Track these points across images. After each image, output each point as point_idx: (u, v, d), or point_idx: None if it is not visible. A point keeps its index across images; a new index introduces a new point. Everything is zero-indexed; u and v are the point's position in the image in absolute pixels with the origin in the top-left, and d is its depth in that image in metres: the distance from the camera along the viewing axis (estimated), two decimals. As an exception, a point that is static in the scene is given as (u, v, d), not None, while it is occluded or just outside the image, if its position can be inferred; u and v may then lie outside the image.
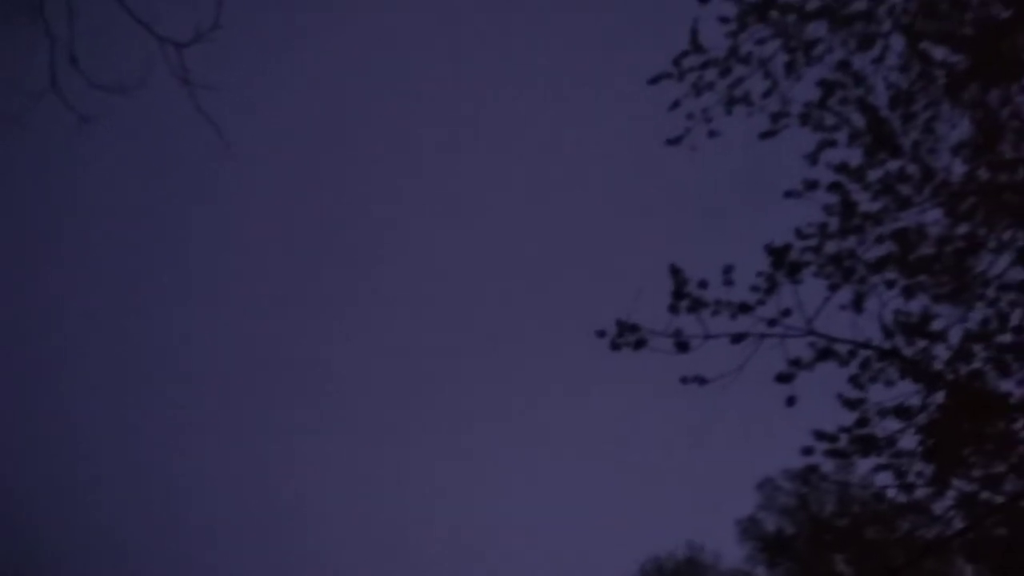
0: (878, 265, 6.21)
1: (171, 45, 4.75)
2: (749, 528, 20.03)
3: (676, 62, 6.76)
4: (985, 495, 5.69)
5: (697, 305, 6.22)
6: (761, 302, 6.19)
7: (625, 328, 6.32)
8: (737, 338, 6.12)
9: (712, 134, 6.78)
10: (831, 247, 6.33)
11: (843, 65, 6.50)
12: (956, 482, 5.79)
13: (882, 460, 5.94)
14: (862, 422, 5.98)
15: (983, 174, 6.32)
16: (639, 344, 6.30)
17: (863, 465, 6.29)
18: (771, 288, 6.24)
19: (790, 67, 6.64)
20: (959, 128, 6.38)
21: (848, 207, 6.28)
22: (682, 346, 6.18)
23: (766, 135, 6.65)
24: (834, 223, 6.34)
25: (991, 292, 6.07)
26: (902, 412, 5.91)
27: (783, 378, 6.10)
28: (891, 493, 5.97)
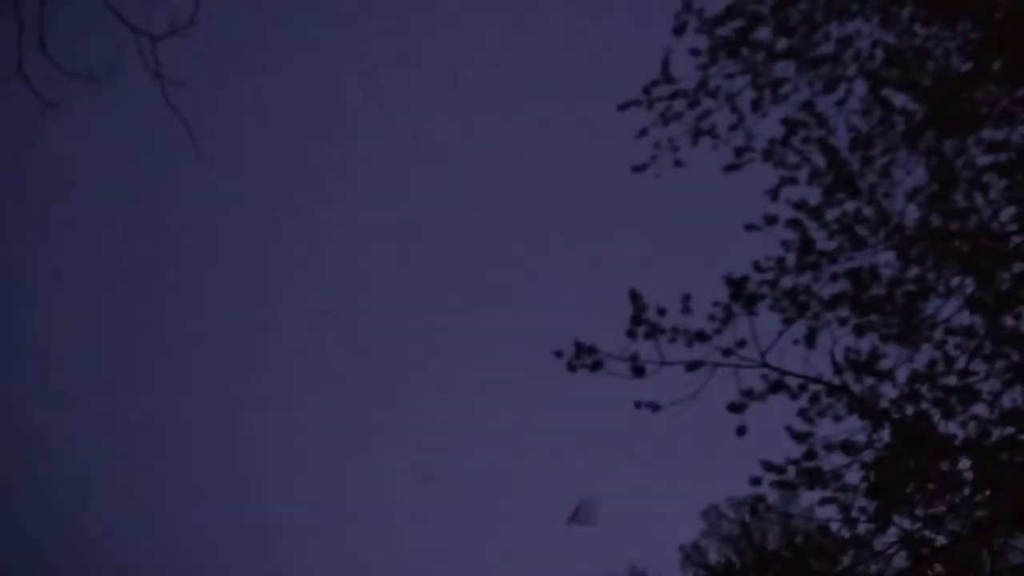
0: (831, 302, 6.34)
1: (145, 37, 4.71)
2: (692, 555, 20.19)
3: (646, 90, 6.87)
4: (926, 534, 5.83)
5: (655, 331, 6.30)
6: (718, 331, 6.29)
7: (582, 350, 6.37)
8: (692, 366, 6.20)
9: (678, 163, 6.89)
10: (787, 282, 6.46)
11: (807, 105, 6.67)
12: (899, 520, 5.92)
13: (827, 493, 6.06)
14: (810, 455, 6.09)
15: (935, 220, 6.51)
16: (595, 366, 6.35)
17: (807, 498, 6.41)
18: (727, 318, 6.34)
19: (756, 104, 6.79)
20: (915, 174, 6.58)
21: (806, 244, 6.41)
22: (638, 371, 6.24)
23: (730, 168, 6.78)
24: (791, 259, 6.47)
25: (938, 335, 6.24)
26: (848, 447, 6.03)
27: (735, 408, 6.19)
28: (835, 527, 6.08)
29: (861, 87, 6.64)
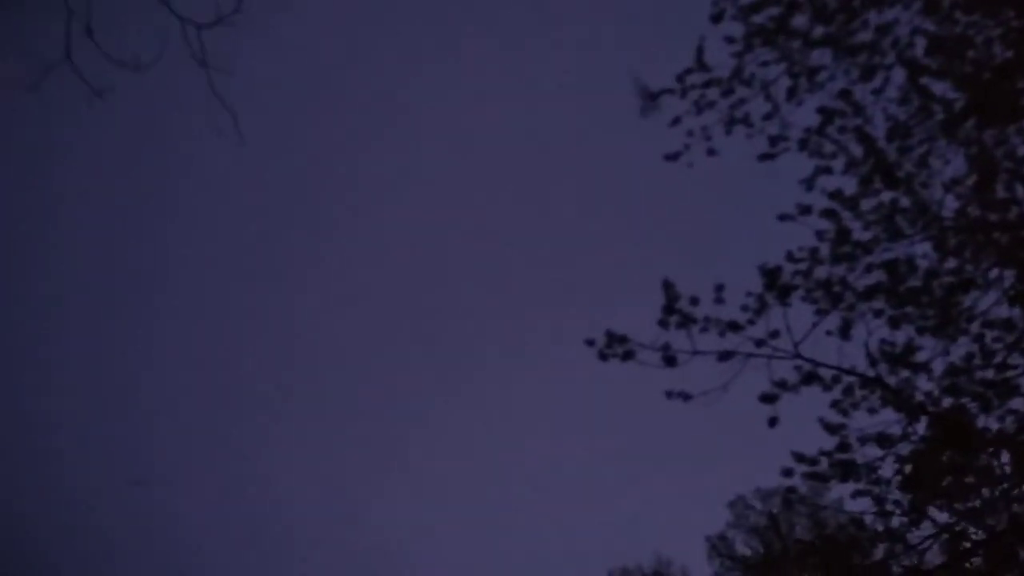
0: (867, 294, 6.27)
1: (191, 24, 4.75)
2: (719, 546, 20.13)
3: (679, 79, 6.81)
4: (963, 528, 5.76)
5: (687, 321, 6.27)
6: (750, 322, 6.25)
7: (614, 339, 6.36)
8: (724, 356, 6.17)
9: (711, 152, 6.83)
10: (821, 272, 6.40)
11: (844, 94, 6.57)
12: (934, 513, 5.86)
13: (861, 486, 6.01)
14: (843, 447, 6.04)
15: (974, 211, 6.40)
16: (627, 356, 6.34)
17: (837, 491, 6.36)
18: (760, 309, 6.29)
19: (792, 92, 6.70)
20: (954, 164, 6.47)
21: (841, 234, 6.34)
22: (670, 360, 6.22)
23: (764, 157, 6.70)
24: (825, 249, 6.41)
25: (976, 328, 6.15)
26: (883, 440, 5.97)
27: (767, 399, 6.15)
28: (868, 519, 6.03)
29: (900, 75, 6.54)
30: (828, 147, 6.57)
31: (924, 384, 6.06)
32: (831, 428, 6.16)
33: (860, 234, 6.39)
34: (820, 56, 6.64)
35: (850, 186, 6.46)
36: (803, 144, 6.62)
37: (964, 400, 5.93)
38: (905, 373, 6.11)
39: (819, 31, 6.61)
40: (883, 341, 6.19)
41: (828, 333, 6.26)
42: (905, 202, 6.41)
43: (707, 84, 6.78)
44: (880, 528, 5.98)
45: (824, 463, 6.05)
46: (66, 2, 4.56)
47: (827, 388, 6.22)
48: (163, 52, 4.74)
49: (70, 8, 4.56)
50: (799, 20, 6.59)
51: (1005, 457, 5.81)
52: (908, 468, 5.87)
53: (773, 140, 6.70)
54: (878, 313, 6.26)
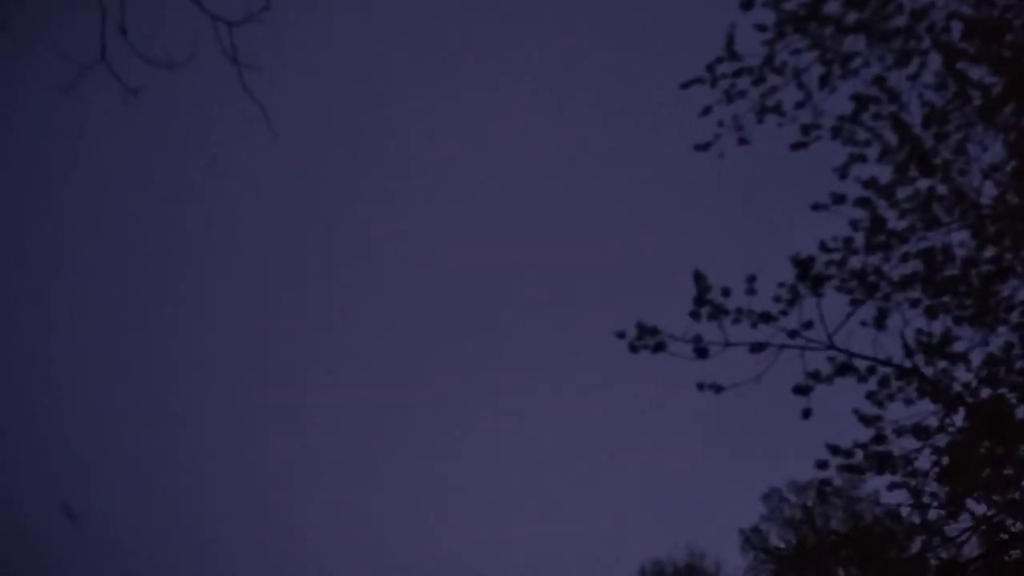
0: (902, 283, 6.18)
1: (223, 23, 4.81)
2: (753, 538, 19.99)
3: (710, 68, 6.74)
4: (1002, 520, 5.67)
5: (718, 312, 6.22)
6: (783, 313, 6.19)
7: (645, 331, 6.32)
8: (757, 347, 6.11)
9: (742, 142, 6.76)
10: (855, 262, 6.32)
11: (878, 80, 6.46)
12: (973, 505, 5.77)
13: (897, 478, 5.93)
14: (879, 439, 5.96)
15: (1013, 198, 6.28)
16: (658, 347, 6.30)
17: (872, 483, 6.29)
18: (793, 300, 6.23)
19: (825, 79, 6.60)
20: (992, 151, 6.34)
21: (876, 223, 6.25)
22: (701, 352, 6.18)
23: (797, 146, 6.62)
24: (860, 239, 6.32)
25: (1015, 317, 6.04)
26: (920, 432, 5.89)
27: (801, 390, 6.09)
28: (905, 512, 5.96)
29: (936, 61, 6.41)
30: (862, 135, 6.47)
31: (962, 375, 5.96)
32: (866, 420, 6.08)
33: (895, 223, 6.30)
34: (854, 42, 6.54)
35: (885, 174, 6.37)
36: (836, 132, 6.53)
37: (1002, 390, 5.82)
38: (942, 364, 6.01)
39: (852, 17, 6.50)
40: (919, 331, 6.10)
41: (863, 324, 6.18)
42: (942, 189, 6.31)
43: (738, 73, 6.70)
44: (917, 521, 5.90)
45: (859, 455, 5.98)
46: (100, 2, 4.64)
47: (862, 379, 6.14)
48: (195, 50, 4.81)
49: (104, 8, 4.64)
50: (831, 6, 6.50)
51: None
52: (945, 460, 5.78)
53: (806, 128, 6.61)
54: (914, 303, 6.17)
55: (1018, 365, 5.87)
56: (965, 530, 5.75)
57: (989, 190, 6.30)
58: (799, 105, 6.64)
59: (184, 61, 4.83)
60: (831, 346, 6.09)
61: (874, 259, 6.27)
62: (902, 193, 6.31)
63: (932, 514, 5.87)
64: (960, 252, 6.19)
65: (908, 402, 6.02)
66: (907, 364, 6.04)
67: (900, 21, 6.44)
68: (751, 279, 6.26)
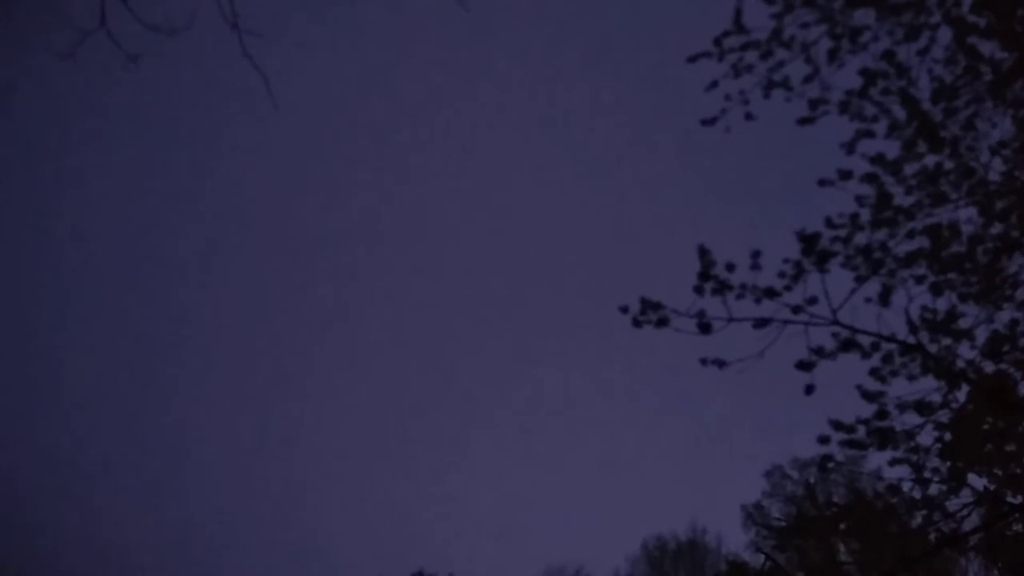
0: (908, 260, 6.16)
1: None
2: (754, 514, 20.12)
3: (716, 42, 6.69)
4: (1002, 492, 5.69)
5: (722, 287, 6.21)
6: (787, 288, 6.18)
7: (648, 306, 6.32)
8: (760, 323, 6.11)
9: (749, 117, 6.71)
10: (861, 238, 6.29)
11: (887, 55, 6.40)
12: (974, 479, 5.79)
13: (899, 454, 5.95)
14: (881, 415, 5.97)
15: (1021, 175, 6.24)
16: (661, 323, 6.30)
17: (874, 460, 6.30)
18: (798, 275, 6.21)
19: (833, 54, 6.54)
20: (1001, 127, 6.30)
21: (882, 199, 6.22)
22: (705, 327, 6.17)
23: (804, 121, 6.58)
24: (866, 214, 6.30)
25: (1021, 294, 6.03)
26: (923, 408, 5.90)
27: (804, 366, 6.09)
28: (906, 487, 5.98)
29: (946, 35, 6.34)
30: (870, 110, 6.42)
31: (966, 352, 5.96)
32: (869, 396, 6.08)
33: (902, 199, 6.26)
34: (863, 16, 6.47)
35: (892, 150, 6.32)
36: (844, 107, 6.48)
37: (1006, 367, 5.82)
38: (947, 341, 6.01)
39: (862, -10, 6.43)
40: (924, 308, 6.09)
41: (867, 300, 6.17)
42: (950, 165, 6.27)
43: (745, 47, 6.65)
44: (918, 496, 5.93)
45: (862, 431, 6.00)
46: None
47: (866, 355, 6.14)
48: (195, 16, 4.77)
49: None
50: (841, -21, 6.42)
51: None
52: (947, 435, 5.79)
53: (813, 103, 6.56)
54: (919, 279, 6.15)
55: (1022, 342, 5.87)
56: (966, 504, 5.78)
57: (997, 166, 6.26)
58: (807, 80, 6.58)
59: (184, 27, 4.80)
60: (835, 322, 6.09)
61: (880, 235, 6.25)
62: (909, 169, 6.28)
63: (933, 489, 5.90)
64: (967, 228, 6.17)
65: (911, 378, 6.03)
66: (911, 341, 6.03)
67: (910, -6, 6.37)
68: (756, 254, 6.24)
